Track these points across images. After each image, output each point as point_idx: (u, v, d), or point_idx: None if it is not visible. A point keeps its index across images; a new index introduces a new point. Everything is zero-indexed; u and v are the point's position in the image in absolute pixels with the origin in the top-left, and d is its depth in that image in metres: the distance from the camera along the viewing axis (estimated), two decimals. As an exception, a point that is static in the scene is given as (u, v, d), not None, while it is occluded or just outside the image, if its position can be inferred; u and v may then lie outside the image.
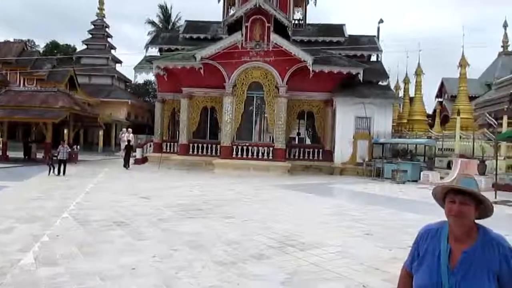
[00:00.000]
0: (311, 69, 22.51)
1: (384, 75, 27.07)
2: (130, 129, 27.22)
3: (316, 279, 5.44)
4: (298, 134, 32.38)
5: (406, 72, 39.15)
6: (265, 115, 24.53)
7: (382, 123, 24.03)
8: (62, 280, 5.13)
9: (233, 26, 23.67)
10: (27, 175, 17.95)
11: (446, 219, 2.07)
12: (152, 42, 29.63)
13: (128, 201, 11.77)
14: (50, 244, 6.76)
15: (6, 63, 37.26)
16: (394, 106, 30.24)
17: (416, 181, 20.70)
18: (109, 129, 42.08)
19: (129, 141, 25.25)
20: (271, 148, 23.29)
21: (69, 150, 20.84)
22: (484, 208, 2.01)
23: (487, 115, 26.44)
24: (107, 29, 50.75)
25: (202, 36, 28.86)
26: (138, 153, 27.85)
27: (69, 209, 10.09)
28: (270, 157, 23.05)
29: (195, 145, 24.99)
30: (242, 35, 23.13)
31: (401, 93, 39.00)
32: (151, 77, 34.82)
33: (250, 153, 23.14)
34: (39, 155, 25.98)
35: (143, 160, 27.33)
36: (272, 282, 5.28)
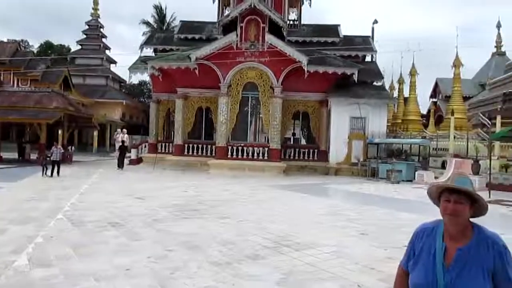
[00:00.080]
0: (306, 69, 22.54)
1: (379, 75, 27.15)
2: (124, 130, 27.10)
3: (311, 279, 5.45)
4: (293, 134, 32.37)
5: (400, 72, 39.35)
6: (260, 115, 24.53)
7: (377, 123, 24.10)
8: (56, 281, 5.11)
9: (228, 27, 23.66)
10: (21, 176, 17.85)
11: (441, 218, 2.08)
12: (147, 43, 29.54)
13: (122, 202, 11.74)
14: (44, 245, 6.72)
15: (0, 64, 37.02)
16: (389, 106, 30.38)
17: (410, 181, 20.77)
18: (104, 129, 41.94)
19: (123, 141, 25.15)
20: (266, 149, 23.30)
21: (62, 151, 20.74)
22: (478, 207, 2.03)
23: (481, 115, 26.57)
24: (101, 30, 50.59)
25: (197, 36, 28.80)
26: (133, 154, 27.75)
27: (63, 210, 10.05)
28: (265, 158, 23.06)
29: (190, 145, 24.95)
30: (237, 35, 23.12)
31: (395, 93, 39.20)
32: (146, 77, 34.85)
33: (245, 154, 23.13)
34: (33, 156, 25.84)
35: (138, 160, 27.25)
36: (267, 282, 5.28)
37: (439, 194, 2.07)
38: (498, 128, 20.24)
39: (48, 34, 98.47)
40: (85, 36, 49.57)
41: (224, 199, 12.97)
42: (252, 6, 22.59)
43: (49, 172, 18.22)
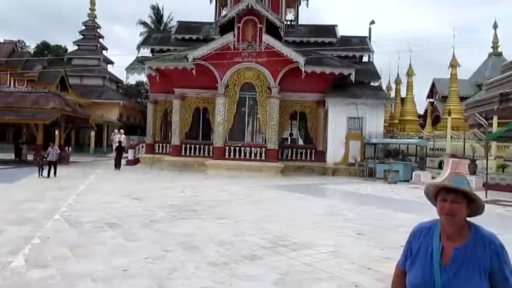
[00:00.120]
0: (303, 69, 22.56)
1: (376, 75, 27.19)
2: (122, 130, 27.05)
3: (309, 279, 5.45)
4: (291, 134, 32.45)
5: (397, 72, 39.45)
6: (258, 115, 24.54)
7: (374, 124, 24.15)
8: (53, 282, 5.09)
9: (225, 27, 23.66)
10: (18, 177, 17.79)
11: (438, 217, 2.09)
12: (144, 43, 29.53)
13: (120, 203, 11.72)
14: (41, 246, 6.71)
15: (-4, 64, 36.93)
16: (386, 107, 30.42)
17: (408, 181, 20.82)
18: (101, 130, 41.88)
19: (120, 142, 25.11)
20: (263, 149, 23.31)
21: (59, 151, 20.69)
22: (475, 206, 2.04)
23: (478, 115, 26.66)
24: (98, 30, 50.53)
25: (194, 36, 28.80)
26: (130, 154, 27.73)
27: (60, 210, 10.02)
28: (263, 158, 23.07)
29: (188, 146, 24.94)
30: (234, 36, 23.13)
31: (392, 94, 39.25)
32: (143, 78, 34.73)
33: (242, 154, 23.13)
34: (30, 157, 25.78)
35: (135, 161, 27.23)
36: (265, 283, 5.28)
37: (436, 194, 2.08)
38: (494, 128, 20.28)
39: (45, 34, 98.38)
40: (82, 36, 49.53)
41: (221, 200, 12.97)
42: (249, 6, 22.60)
43: (45, 173, 18.17)
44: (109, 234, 7.76)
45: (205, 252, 6.59)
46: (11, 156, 27.42)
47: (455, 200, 1.98)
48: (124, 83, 49.45)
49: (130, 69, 27.44)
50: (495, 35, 44.52)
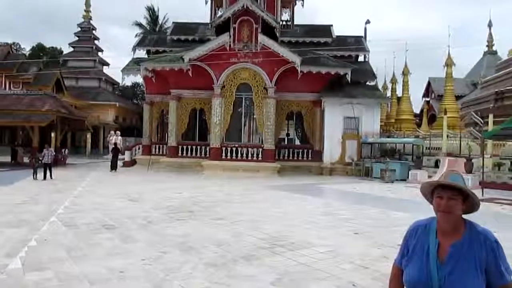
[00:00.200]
0: (299, 70, 22.58)
1: (372, 75, 27.24)
2: (118, 132, 27.02)
3: (306, 278, 5.45)
4: (287, 134, 32.41)
5: (393, 72, 39.54)
6: (254, 116, 24.53)
7: (370, 123, 24.19)
8: (50, 284, 5.07)
9: (221, 28, 23.64)
10: (14, 179, 17.70)
11: (434, 215, 2.11)
12: (139, 44, 29.47)
13: (116, 204, 11.69)
14: (38, 249, 6.68)
15: (-9, 66, 36.79)
16: (382, 106, 30.49)
17: (404, 180, 20.87)
18: (97, 132, 41.76)
19: (115, 144, 25.05)
20: (260, 149, 23.31)
21: (54, 153, 20.62)
22: (470, 203, 2.06)
23: (473, 114, 26.80)
24: (94, 32, 50.44)
25: (190, 37, 28.80)
26: (126, 156, 27.67)
27: (57, 213, 9.99)
28: (260, 158, 23.07)
29: (184, 147, 24.90)
30: (230, 36, 23.13)
31: (388, 93, 39.35)
32: (139, 79, 34.76)
33: (239, 154, 23.13)
34: (26, 159, 25.66)
35: (132, 162, 27.17)
36: (263, 283, 5.28)
37: (432, 191, 2.10)
38: (490, 127, 20.38)
39: (40, 36, 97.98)
40: (77, 38, 49.42)
41: (218, 200, 12.96)
42: (245, 7, 22.60)
43: (40, 176, 18.07)
44: (106, 236, 7.74)
45: (203, 253, 6.58)
46: (7, 158, 27.29)
47: (451, 197, 2.01)
48: (120, 84, 49.45)
49: (126, 70, 27.37)
50: (490, 34, 44.77)
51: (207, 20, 29.61)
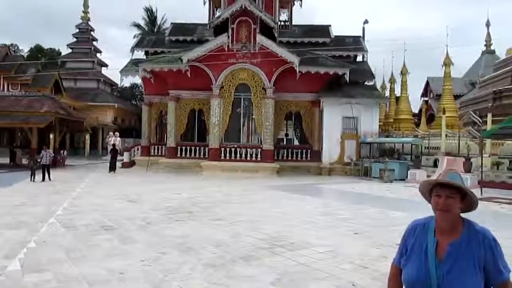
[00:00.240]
0: (297, 70, 22.58)
1: (370, 75, 27.26)
2: (117, 133, 26.99)
3: (306, 279, 5.45)
4: (286, 135, 32.43)
5: (391, 71, 39.59)
6: (253, 116, 24.53)
7: (369, 123, 24.21)
8: (49, 286, 5.06)
9: (219, 28, 23.63)
10: (13, 181, 17.68)
11: (432, 214, 2.12)
12: (138, 45, 29.46)
13: (115, 205, 11.69)
14: (37, 250, 6.67)
15: (-10, 68, 36.71)
16: (381, 106, 30.50)
17: (403, 179, 20.88)
18: (96, 133, 41.72)
19: (114, 145, 25.02)
20: (259, 150, 23.31)
21: (53, 155, 20.58)
22: (469, 202, 2.07)
23: (472, 113, 26.84)
24: (92, 33, 50.37)
25: (188, 38, 28.80)
26: (125, 157, 27.66)
27: (55, 214, 9.98)
28: (259, 159, 23.06)
29: (183, 147, 24.87)
30: (228, 37, 23.12)
31: (387, 93, 39.37)
32: (137, 80, 34.75)
33: (238, 155, 23.12)
34: (25, 161, 25.64)
35: (131, 163, 27.15)
36: (262, 283, 5.27)
37: (431, 190, 2.11)
38: (489, 126, 20.39)
39: (38, 37, 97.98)
40: (75, 39, 49.36)
41: (217, 201, 12.95)
42: (243, 7, 22.60)
43: (38, 177, 17.98)
44: (105, 237, 7.73)
45: (202, 254, 6.58)
46: (6, 160, 27.27)
47: (450, 196, 2.02)
48: (119, 85, 49.41)
49: (125, 71, 27.35)
50: (488, 33, 44.84)
51: (206, 21, 29.62)
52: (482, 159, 16.90)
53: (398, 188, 17.66)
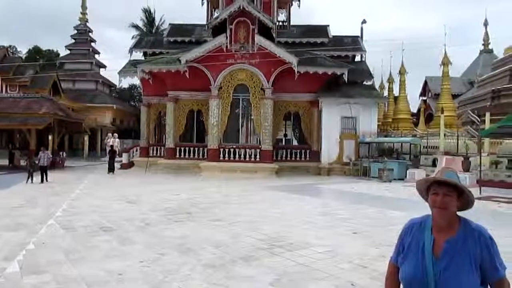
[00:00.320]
0: (296, 70, 22.59)
1: (369, 75, 27.27)
2: (115, 134, 26.96)
3: (305, 279, 5.46)
4: (285, 135, 32.45)
5: (390, 71, 39.63)
6: (252, 117, 24.53)
7: (368, 123, 24.22)
8: (48, 287, 5.06)
9: (218, 29, 23.63)
10: (11, 183, 17.66)
11: (429, 213, 2.14)
12: (136, 46, 29.45)
13: (114, 206, 11.68)
14: (36, 252, 6.66)
15: (-12, 70, 36.66)
16: (379, 106, 30.52)
17: (402, 179, 20.89)
18: (94, 134, 41.69)
19: (112, 146, 24.98)
20: (258, 150, 23.30)
21: (50, 156, 20.54)
22: (465, 200, 2.10)
23: (470, 112, 26.86)
24: (90, 34, 50.35)
25: (186, 39, 28.79)
26: (124, 158, 27.64)
27: (54, 216, 9.97)
28: (257, 159, 23.06)
29: (182, 148, 24.84)
30: (226, 37, 23.12)
31: (385, 93, 39.41)
32: (136, 81, 34.70)
33: (237, 155, 23.12)
34: (24, 162, 25.60)
35: (130, 164, 27.12)
36: (261, 283, 5.28)
37: (428, 188, 2.13)
38: (487, 125, 20.41)
39: (36, 39, 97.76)
40: (73, 40, 49.34)
41: (216, 201, 12.95)
42: (241, 8, 22.60)
43: (37, 179, 17.85)
44: (104, 238, 7.73)
45: (201, 254, 6.58)
46: (5, 162, 27.23)
47: (447, 193, 2.04)
48: (117, 86, 49.44)
49: (123, 72, 27.33)
50: (486, 33, 44.89)
51: (204, 22, 29.62)
52: (480, 158, 16.92)
53: (397, 188, 17.67)
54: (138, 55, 29.20)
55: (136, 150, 28.40)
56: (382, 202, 13.29)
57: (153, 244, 7.28)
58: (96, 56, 50.76)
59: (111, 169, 23.73)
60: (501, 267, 2.01)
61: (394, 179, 20.69)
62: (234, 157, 23.08)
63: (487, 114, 21.21)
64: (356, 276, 5.58)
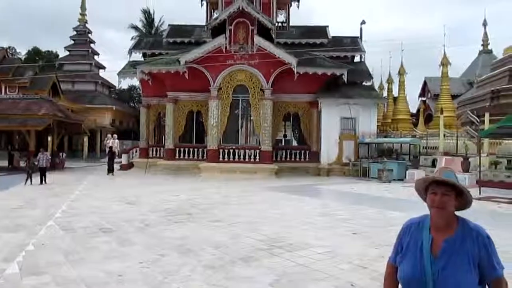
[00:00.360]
0: (295, 71, 22.58)
1: (368, 75, 27.29)
2: (115, 135, 26.95)
3: (305, 279, 5.46)
4: (285, 136, 32.46)
5: (389, 72, 39.68)
6: (251, 117, 24.54)
7: (367, 123, 24.24)
8: (48, 289, 5.06)
9: (217, 30, 23.64)
10: (11, 184, 17.63)
11: (427, 213, 2.15)
12: (135, 47, 29.44)
13: (114, 207, 11.67)
14: (35, 253, 6.66)
15: (-13, 71, 36.60)
16: (379, 106, 30.56)
17: (402, 180, 20.88)
18: (94, 135, 41.68)
19: (110, 147, 24.93)
20: (257, 151, 23.29)
21: (50, 157, 20.50)
22: (463, 200, 2.11)
23: (470, 113, 26.87)
24: (89, 35, 50.37)
25: (186, 40, 28.79)
26: (124, 159, 27.62)
27: (54, 217, 9.96)
28: (257, 160, 23.05)
29: (182, 149, 24.82)
30: (226, 38, 23.12)
31: (385, 93, 39.46)
32: (135, 82, 34.63)
33: (236, 156, 23.12)
34: (23, 164, 25.58)
35: (129, 165, 27.11)
36: (261, 284, 5.27)
37: (426, 188, 2.14)
38: (486, 126, 20.42)
39: (35, 40, 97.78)
40: (73, 42, 49.33)
41: (216, 202, 12.95)
42: (241, 8, 22.61)
43: (36, 180, 17.80)
44: (104, 239, 7.72)
45: (201, 255, 6.58)
46: (4, 163, 27.22)
47: (445, 193, 2.05)
48: (117, 87, 49.43)
49: (122, 73, 27.32)
50: (485, 33, 44.94)
51: (203, 23, 29.63)
52: (480, 159, 16.93)
53: (397, 188, 17.67)
54: (137, 56, 29.24)
55: (136, 151, 28.38)
56: (382, 203, 13.29)
57: (153, 245, 7.28)
58: (96, 57, 50.76)
59: (110, 170, 23.73)
60: (499, 266, 2.02)
61: (394, 179, 20.69)
62: (234, 158, 23.07)
63: (487, 115, 21.22)
64: (356, 276, 5.58)
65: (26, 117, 25.01)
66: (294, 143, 30.69)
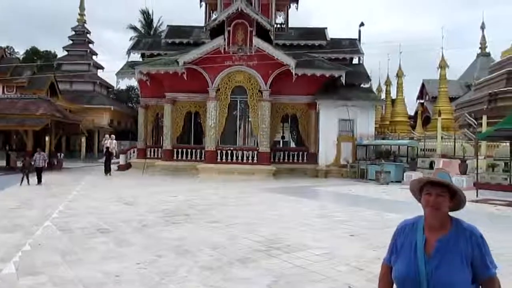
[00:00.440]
0: (294, 72, 22.60)
1: (366, 77, 27.32)
2: (113, 136, 26.90)
3: (302, 281, 5.46)
4: (283, 137, 32.47)
5: (387, 74, 39.71)
6: (249, 119, 24.54)
7: (365, 125, 24.26)
8: (45, 289, 5.05)
9: (216, 31, 23.65)
10: (8, 184, 17.59)
11: (421, 214, 2.19)
12: (134, 48, 29.43)
13: (111, 208, 11.66)
14: (32, 253, 6.64)
15: (-15, 71, 36.51)
16: (377, 108, 30.60)
17: (399, 181, 20.89)
18: (92, 136, 41.61)
19: (107, 148, 24.86)
20: (255, 152, 23.30)
21: (46, 158, 20.43)
22: (457, 200, 2.14)
23: (467, 115, 26.93)
24: (88, 35, 50.32)
25: (184, 41, 28.80)
26: (121, 159, 27.58)
27: (51, 217, 9.94)
28: (255, 161, 23.06)
29: (179, 150, 24.80)
30: (224, 39, 23.13)
31: (383, 95, 39.53)
32: (133, 82, 34.63)
33: (234, 157, 23.12)
34: (20, 164, 25.50)
35: (127, 166, 27.07)
36: (258, 285, 5.27)
37: (421, 189, 2.17)
38: (484, 128, 20.49)
39: (34, 40, 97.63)
40: (71, 42, 49.26)
41: (214, 203, 12.94)
42: (239, 10, 22.63)
43: (32, 181, 17.66)
44: (101, 240, 7.71)
45: (198, 256, 6.57)
46: (2, 163, 27.16)
47: (440, 194, 2.09)
48: (115, 88, 49.40)
49: (121, 74, 27.28)
50: (483, 36, 45.08)
51: (202, 24, 29.61)
52: (477, 161, 16.98)
53: (394, 190, 17.69)
54: (136, 56, 29.22)
55: (134, 152, 28.34)
56: (379, 205, 13.31)
57: (150, 245, 7.27)
58: (94, 57, 50.72)
59: (107, 170, 23.68)
60: (492, 265, 2.05)
61: (391, 181, 20.69)
62: (232, 159, 23.07)
63: (484, 117, 21.29)
64: (353, 278, 5.59)
65: (23, 117, 24.96)
66: (292, 145, 30.69)
